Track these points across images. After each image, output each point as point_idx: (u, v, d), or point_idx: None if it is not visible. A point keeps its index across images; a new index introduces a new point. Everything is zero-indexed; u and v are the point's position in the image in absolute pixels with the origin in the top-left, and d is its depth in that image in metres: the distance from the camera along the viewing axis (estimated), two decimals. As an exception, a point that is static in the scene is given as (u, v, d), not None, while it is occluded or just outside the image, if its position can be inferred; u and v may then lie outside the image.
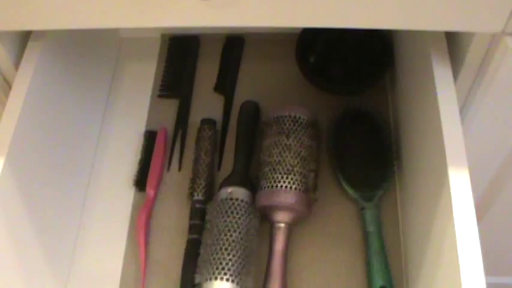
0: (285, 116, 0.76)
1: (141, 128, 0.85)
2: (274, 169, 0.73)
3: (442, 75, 0.60)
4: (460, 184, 0.55)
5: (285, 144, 0.74)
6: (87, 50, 0.82)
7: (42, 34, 0.68)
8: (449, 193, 0.54)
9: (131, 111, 0.87)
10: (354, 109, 0.80)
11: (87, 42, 0.82)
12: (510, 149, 0.71)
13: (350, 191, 0.76)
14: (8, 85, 0.68)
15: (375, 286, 0.70)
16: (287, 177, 0.72)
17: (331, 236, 0.75)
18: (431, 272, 0.61)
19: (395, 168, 0.77)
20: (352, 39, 0.84)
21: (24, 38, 0.68)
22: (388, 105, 0.84)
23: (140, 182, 0.80)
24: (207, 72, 0.90)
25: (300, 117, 0.76)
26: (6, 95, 0.67)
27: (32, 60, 0.66)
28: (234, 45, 0.92)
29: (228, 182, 0.76)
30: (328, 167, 0.79)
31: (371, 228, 0.73)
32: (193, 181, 0.78)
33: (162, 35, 0.94)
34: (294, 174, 0.73)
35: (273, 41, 0.92)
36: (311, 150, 0.76)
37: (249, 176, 0.78)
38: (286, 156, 0.74)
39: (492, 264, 0.67)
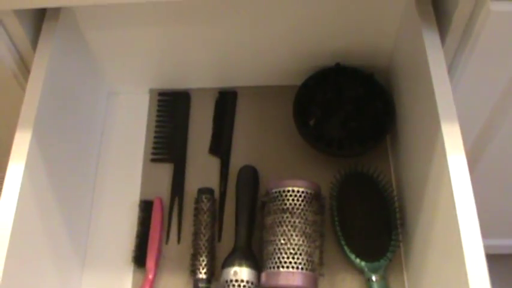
0: (288, 191, 0.74)
1: (135, 196, 0.82)
2: (279, 249, 0.71)
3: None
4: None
5: (289, 222, 0.72)
6: (76, 109, 0.79)
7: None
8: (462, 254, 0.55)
9: (124, 178, 0.84)
10: (355, 173, 0.78)
11: (76, 98, 0.79)
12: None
13: (356, 260, 0.75)
14: (24, 63, 0.73)
15: None
16: (293, 258, 0.71)
17: (339, 310, 0.74)
18: None
19: (400, 237, 0.76)
20: (351, 100, 0.81)
21: (39, 18, 0.71)
22: (390, 166, 0.82)
23: (139, 258, 0.78)
24: (200, 130, 0.87)
25: (303, 192, 0.73)
26: (22, 73, 0.73)
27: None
28: (227, 100, 0.88)
29: (232, 260, 0.73)
30: (333, 236, 0.77)
31: (379, 301, 0.73)
32: (194, 257, 0.76)
33: (151, 90, 0.90)
34: (300, 254, 0.71)
35: (266, 94, 0.88)
36: (316, 226, 0.74)
37: (251, 248, 0.75)
38: (292, 235, 0.72)
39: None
